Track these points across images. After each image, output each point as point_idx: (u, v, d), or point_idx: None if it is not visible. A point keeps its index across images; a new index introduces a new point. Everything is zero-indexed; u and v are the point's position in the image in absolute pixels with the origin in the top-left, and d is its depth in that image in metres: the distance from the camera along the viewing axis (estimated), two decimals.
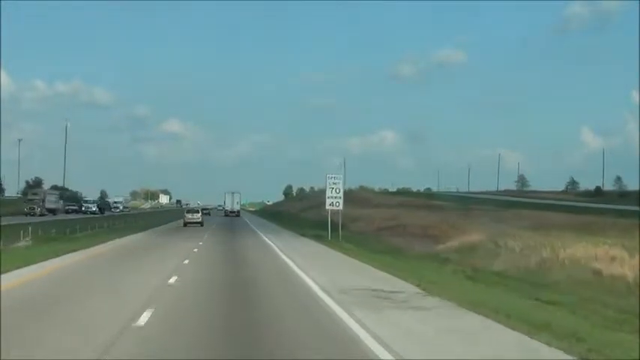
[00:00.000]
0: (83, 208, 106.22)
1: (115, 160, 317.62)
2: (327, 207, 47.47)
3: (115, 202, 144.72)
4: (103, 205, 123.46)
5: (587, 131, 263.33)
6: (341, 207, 47.37)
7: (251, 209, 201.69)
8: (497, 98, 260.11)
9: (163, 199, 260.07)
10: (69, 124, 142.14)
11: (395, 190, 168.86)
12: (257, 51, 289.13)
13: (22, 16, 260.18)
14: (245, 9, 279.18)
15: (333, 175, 48.93)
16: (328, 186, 47.60)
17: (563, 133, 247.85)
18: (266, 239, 46.11)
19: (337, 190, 47.52)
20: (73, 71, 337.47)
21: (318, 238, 47.59)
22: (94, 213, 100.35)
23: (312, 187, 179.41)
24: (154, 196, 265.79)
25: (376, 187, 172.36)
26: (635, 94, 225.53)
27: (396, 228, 56.10)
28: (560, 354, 10.81)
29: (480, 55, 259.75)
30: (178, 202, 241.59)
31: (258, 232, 57.73)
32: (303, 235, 53.64)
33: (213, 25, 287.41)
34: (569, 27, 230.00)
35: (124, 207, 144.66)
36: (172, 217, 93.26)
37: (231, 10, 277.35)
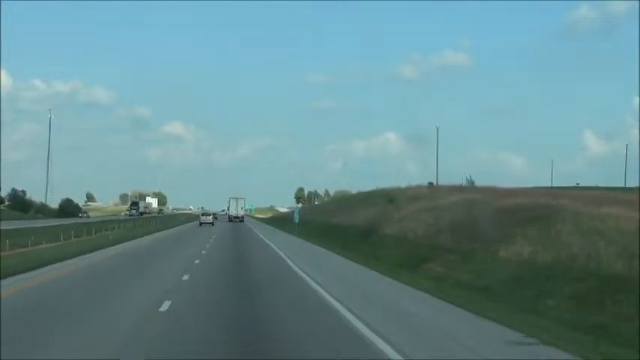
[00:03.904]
0: None
1: (114, 161, 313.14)
2: None
3: None
4: None
5: (589, 135, 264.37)
6: None
7: (259, 216, 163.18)
8: (500, 100, 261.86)
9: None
10: (52, 116, 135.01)
11: None
12: (260, 53, 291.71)
13: (23, 15, 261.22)
14: (248, 11, 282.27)
15: None
16: None
17: (565, 136, 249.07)
18: None
19: None
20: (73, 71, 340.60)
21: None
22: None
23: (326, 190, 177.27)
24: (142, 199, 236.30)
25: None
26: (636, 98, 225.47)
27: None
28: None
29: (483, 57, 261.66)
30: (134, 204, 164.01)
31: None
32: None
33: (216, 26, 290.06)
34: (574, 30, 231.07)
35: None
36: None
37: (234, 12, 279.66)
